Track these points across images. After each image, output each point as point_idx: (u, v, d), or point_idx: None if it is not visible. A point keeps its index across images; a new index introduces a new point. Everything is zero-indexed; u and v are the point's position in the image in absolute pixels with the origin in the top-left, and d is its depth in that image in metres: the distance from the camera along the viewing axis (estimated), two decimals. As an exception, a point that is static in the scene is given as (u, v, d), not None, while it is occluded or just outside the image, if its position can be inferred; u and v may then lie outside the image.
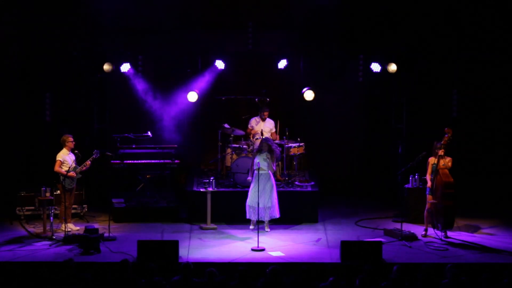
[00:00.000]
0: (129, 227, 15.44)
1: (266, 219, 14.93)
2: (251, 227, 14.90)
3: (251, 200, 14.78)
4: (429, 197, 14.71)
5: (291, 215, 15.53)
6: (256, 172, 14.52)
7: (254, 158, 14.98)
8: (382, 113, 17.71)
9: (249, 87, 17.37)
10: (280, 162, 16.40)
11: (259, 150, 14.95)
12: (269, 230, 14.87)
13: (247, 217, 14.84)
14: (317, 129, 17.92)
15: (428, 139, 15.01)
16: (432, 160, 14.64)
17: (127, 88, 17.22)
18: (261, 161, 14.78)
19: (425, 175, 14.90)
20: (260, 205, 14.64)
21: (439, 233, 14.46)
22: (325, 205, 16.42)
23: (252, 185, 14.83)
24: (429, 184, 14.65)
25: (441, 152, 14.32)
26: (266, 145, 14.93)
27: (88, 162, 14.93)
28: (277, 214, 14.95)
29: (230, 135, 16.56)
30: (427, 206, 14.72)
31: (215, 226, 15.36)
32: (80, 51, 16.71)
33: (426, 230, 14.79)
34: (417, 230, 14.98)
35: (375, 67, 16.73)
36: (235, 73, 17.51)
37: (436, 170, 14.46)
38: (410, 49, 16.88)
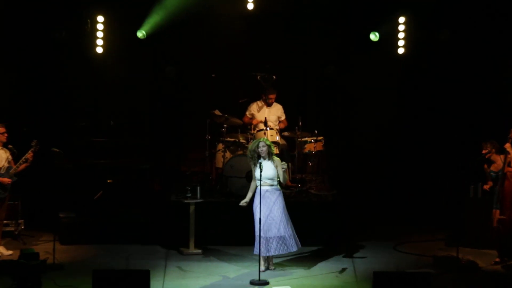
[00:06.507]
0: (81, 250, 14.09)
1: (283, 252, 12.76)
2: (262, 268, 12.69)
3: (260, 228, 12.95)
4: (495, 212, 13.09)
5: (305, 235, 13.41)
6: (258, 188, 12.78)
7: (253, 168, 12.90)
8: (427, 98, 16.33)
9: (249, 60, 16.11)
10: (289, 163, 14.83)
11: (254, 157, 12.69)
12: (273, 268, 13.04)
13: (255, 252, 12.93)
14: (340, 118, 16.61)
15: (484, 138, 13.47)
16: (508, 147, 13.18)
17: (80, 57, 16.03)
18: (264, 172, 12.60)
19: (486, 182, 13.58)
20: (271, 234, 12.73)
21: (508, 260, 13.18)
22: (351, 222, 14.93)
23: (255, 209, 12.84)
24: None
25: (507, 146, 13.03)
26: (265, 148, 12.72)
27: (30, 156, 13.31)
28: (297, 245, 12.92)
29: (222, 125, 15.16)
30: (494, 224, 13.18)
31: (200, 251, 13.86)
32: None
33: (498, 257, 13.32)
34: (480, 257, 13.51)
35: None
36: (231, 41, 16.23)
37: (503, 174, 13.00)
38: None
